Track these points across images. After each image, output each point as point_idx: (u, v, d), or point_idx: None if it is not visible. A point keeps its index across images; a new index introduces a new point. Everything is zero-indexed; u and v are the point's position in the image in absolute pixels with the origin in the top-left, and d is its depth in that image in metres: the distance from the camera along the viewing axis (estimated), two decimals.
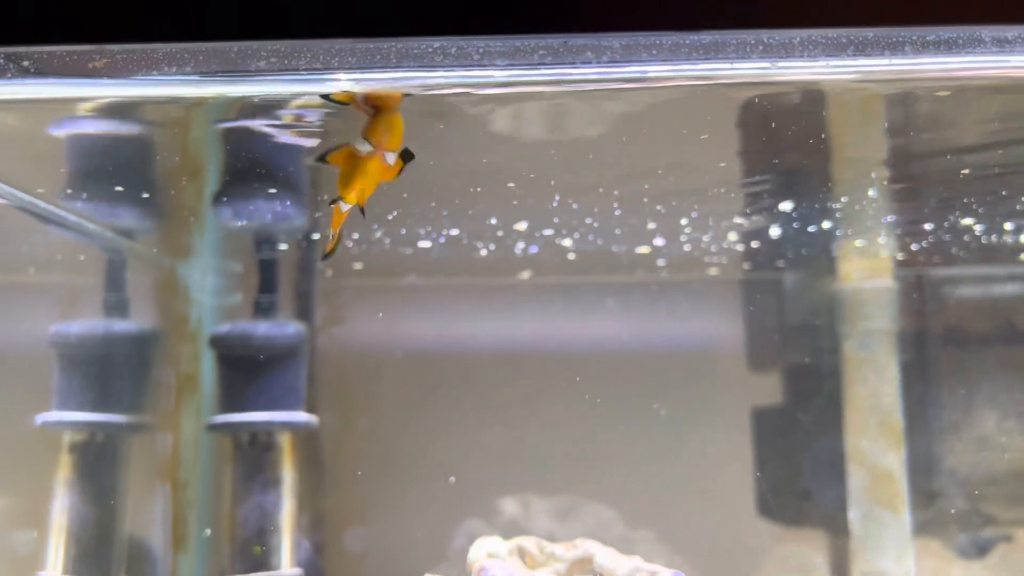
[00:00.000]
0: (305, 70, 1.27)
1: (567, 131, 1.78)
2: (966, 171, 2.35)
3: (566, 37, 1.24)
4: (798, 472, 2.77)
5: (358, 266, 2.86)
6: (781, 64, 1.25)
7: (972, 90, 1.69)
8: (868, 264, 2.63)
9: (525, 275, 3.01)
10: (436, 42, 1.23)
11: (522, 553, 1.96)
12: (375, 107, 1.45)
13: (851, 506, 2.57)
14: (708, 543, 2.97)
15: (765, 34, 1.26)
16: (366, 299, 2.96)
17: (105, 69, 1.24)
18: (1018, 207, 2.57)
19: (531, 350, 3.13)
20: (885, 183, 2.46)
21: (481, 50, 1.24)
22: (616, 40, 1.25)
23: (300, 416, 2.54)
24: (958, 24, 1.29)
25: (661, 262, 3.02)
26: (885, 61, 1.27)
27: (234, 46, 1.24)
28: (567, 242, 2.73)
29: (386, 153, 1.46)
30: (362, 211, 1.55)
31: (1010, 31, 1.28)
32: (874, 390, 2.55)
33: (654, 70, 1.27)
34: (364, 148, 1.47)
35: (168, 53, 1.24)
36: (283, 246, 2.66)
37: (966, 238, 2.67)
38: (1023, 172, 2.36)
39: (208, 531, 2.52)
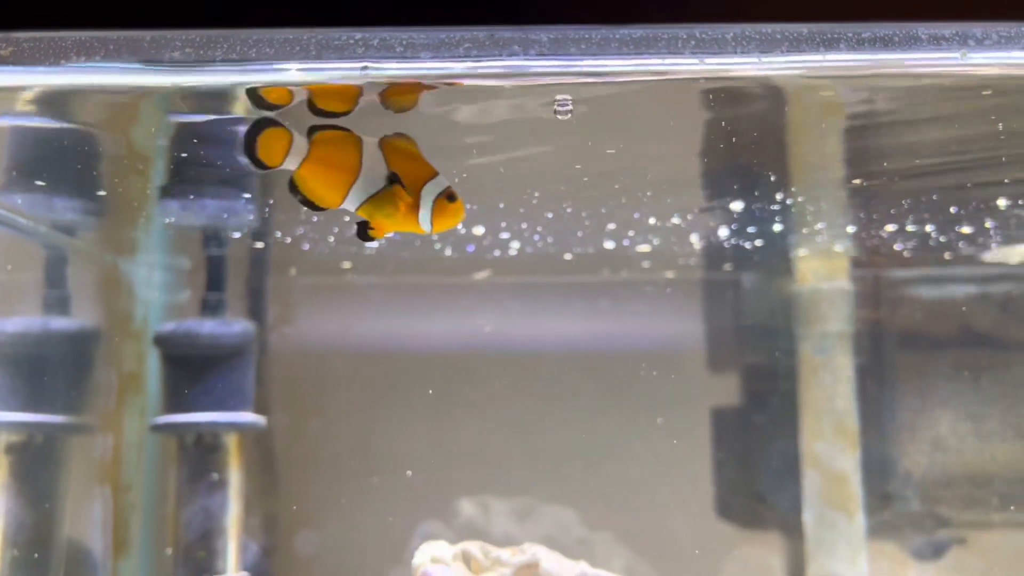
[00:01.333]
0: (222, 61, 1.22)
1: (512, 128, 1.73)
2: (922, 172, 2.34)
3: (492, 30, 1.20)
4: (754, 474, 2.75)
5: (308, 264, 2.82)
6: (711, 60, 1.21)
7: (927, 91, 1.67)
8: (824, 265, 2.61)
9: (482, 275, 2.97)
10: (357, 33, 1.19)
11: (467, 558, 1.92)
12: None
13: (805, 509, 2.55)
14: (668, 544, 2.95)
15: (698, 29, 1.23)
16: (320, 297, 2.92)
17: (11, 57, 1.19)
18: (974, 208, 2.56)
19: (489, 350, 3.10)
20: (841, 184, 2.44)
21: (405, 42, 1.20)
22: (544, 33, 1.21)
23: (247, 417, 2.49)
24: (901, 20, 1.26)
25: (621, 262, 3.00)
26: (819, 57, 1.24)
27: (147, 35, 1.19)
28: (518, 243, 2.70)
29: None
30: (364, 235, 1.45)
31: (947, 28, 1.25)
32: (829, 392, 2.53)
33: (583, 65, 1.23)
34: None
35: (77, 41, 1.19)
36: (233, 242, 2.61)
37: (923, 240, 2.66)
38: (979, 171, 2.35)
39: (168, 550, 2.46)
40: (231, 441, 2.49)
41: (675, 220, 2.64)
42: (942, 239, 2.73)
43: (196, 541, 2.44)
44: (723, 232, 2.70)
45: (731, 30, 1.23)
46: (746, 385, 2.86)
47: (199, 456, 2.47)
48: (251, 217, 2.47)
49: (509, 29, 1.20)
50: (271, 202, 2.35)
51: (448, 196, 1.37)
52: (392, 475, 3.04)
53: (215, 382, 2.45)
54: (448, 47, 1.21)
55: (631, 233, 2.74)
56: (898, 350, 2.71)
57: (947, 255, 2.71)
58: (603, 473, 3.07)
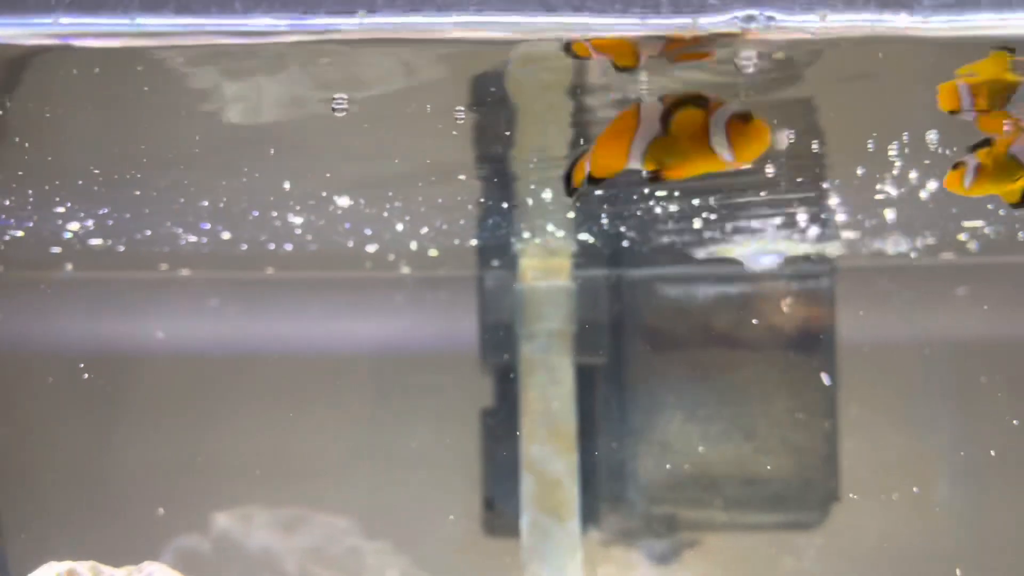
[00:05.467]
0: None
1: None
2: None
3: None
4: (484, 479, 2.68)
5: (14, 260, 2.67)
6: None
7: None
8: (545, 264, 2.55)
9: (185, 271, 2.86)
10: None
11: None
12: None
13: (522, 514, 2.48)
14: (442, 553, 2.87)
15: None
16: (23, 294, 2.77)
17: None
18: (713, 203, 2.52)
19: (247, 352, 3.00)
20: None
21: None
22: None
23: None
24: None
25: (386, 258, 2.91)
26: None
27: None
28: (226, 235, 2.59)
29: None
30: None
31: None
32: (544, 394, 2.47)
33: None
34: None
35: None
36: None
37: (655, 237, 2.62)
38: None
39: None
40: None
41: (422, 215, 2.57)
42: (685, 238, 2.70)
43: None
44: (473, 228, 2.64)
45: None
46: (497, 385, 2.80)
47: None
48: None
49: None
50: None
51: (741, 117, 1.17)
52: (143, 488, 2.91)
53: None
54: None
55: (383, 228, 2.65)
56: (631, 351, 2.67)
57: (688, 254, 2.68)
58: (382, 479, 2.99)
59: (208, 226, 2.47)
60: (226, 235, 2.54)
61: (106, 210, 2.38)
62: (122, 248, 2.60)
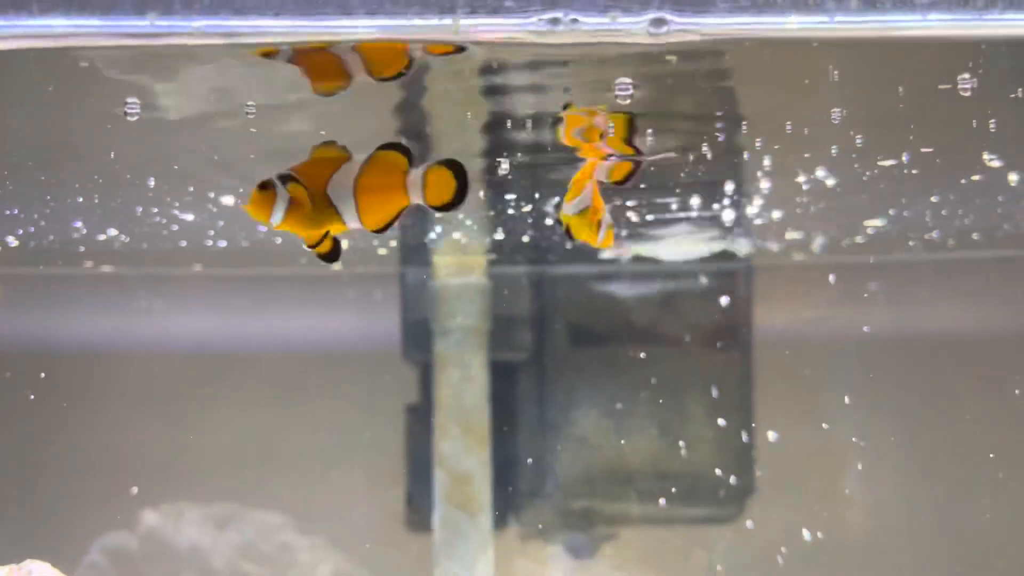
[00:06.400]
0: None
1: None
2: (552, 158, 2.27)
3: None
4: (406, 475, 2.69)
5: None
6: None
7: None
8: (457, 261, 2.55)
9: (107, 268, 2.86)
10: None
11: None
12: None
13: (435, 510, 2.49)
14: (364, 548, 2.87)
15: None
16: None
17: None
18: (631, 203, 2.53)
19: (173, 347, 2.99)
20: (479, 176, 2.37)
21: None
22: None
23: None
24: None
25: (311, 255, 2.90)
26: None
27: None
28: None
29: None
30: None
31: None
32: (458, 390, 2.48)
33: None
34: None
35: None
36: None
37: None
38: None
39: None
40: None
41: None
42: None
43: None
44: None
45: None
46: (421, 381, 2.80)
47: None
48: None
49: None
50: None
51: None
52: (62, 483, 2.90)
53: None
54: None
55: None
56: (551, 346, 2.68)
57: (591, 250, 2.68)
58: (316, 474, 2.99)
59: (118, 226, 2.47)
60: (138, 232, 2.54)
61: (16, 210, 2.38)
62: (34, 244, 2.59)
